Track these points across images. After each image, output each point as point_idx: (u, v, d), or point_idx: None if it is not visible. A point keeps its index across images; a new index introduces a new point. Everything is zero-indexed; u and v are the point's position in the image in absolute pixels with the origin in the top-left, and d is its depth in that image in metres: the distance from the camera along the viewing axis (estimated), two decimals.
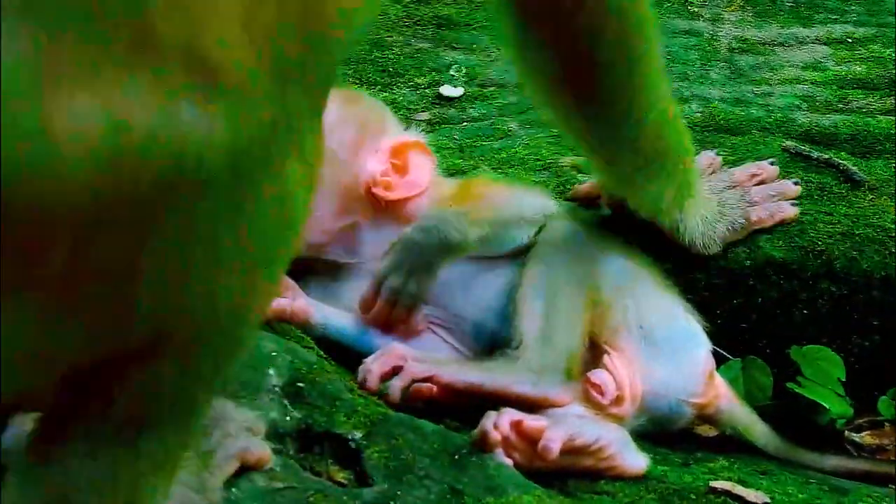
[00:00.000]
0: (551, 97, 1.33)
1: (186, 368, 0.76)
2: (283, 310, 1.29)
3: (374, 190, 1.38)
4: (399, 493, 1.05)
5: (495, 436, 1.14)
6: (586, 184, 1.54)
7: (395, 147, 1.41)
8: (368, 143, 1.40)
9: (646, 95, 1.30)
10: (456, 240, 1.34)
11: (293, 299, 1.31)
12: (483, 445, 1.14)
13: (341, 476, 1.07)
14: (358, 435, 1.11)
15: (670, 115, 1.35)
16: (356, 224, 1.38)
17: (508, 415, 1.17)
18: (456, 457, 1.11)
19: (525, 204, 1.41)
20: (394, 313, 1.31)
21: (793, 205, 1.50)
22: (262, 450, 1.03)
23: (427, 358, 1.27)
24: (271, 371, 1.14)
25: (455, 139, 1.81)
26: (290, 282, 1.32)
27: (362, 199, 1.38)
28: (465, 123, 1.89)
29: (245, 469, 1.00)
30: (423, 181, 1.41)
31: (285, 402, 1.11)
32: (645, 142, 1.33)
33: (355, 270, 1.38)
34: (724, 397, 1.35)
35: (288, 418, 1.09)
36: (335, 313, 1.33)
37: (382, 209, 1.38)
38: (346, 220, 1.38)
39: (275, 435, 1.07)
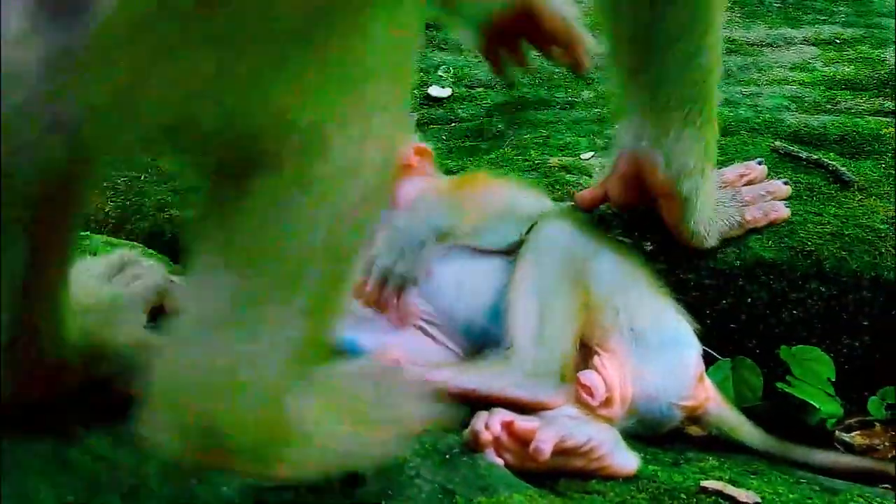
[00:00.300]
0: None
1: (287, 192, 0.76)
2: None
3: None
4: (390, 492, 1.04)
5: (486, 436, 1.14)
6: (588, 190, 1.52)
7: (418, 147, 1.47)
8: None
9: (713, 25, 1.32)
10: (445, 223, 1.35)
11: None
12: (474, 446, 1.14)
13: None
14: None
15: (716, 66, 1.36)
16: None
17: (499, 415, 1.16)
18: (447, 456, 1.11)
19: (519, 200, 1.42)
20: (384, 294, 1.32)
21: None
22: None
23: (421, 360, 1.27)
24: None
25: (443, 140, 1.81)
26: None
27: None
28: (453, 124, 1.89)
29: None
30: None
31: None
32: (694, 74, 1.34)
33: None
34: (713, 400, 1.34)
35: None
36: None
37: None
38: None
39: None
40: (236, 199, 0.77)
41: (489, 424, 1.15)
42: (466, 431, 1.15)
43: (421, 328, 1.33)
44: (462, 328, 1.33)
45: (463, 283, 1.35)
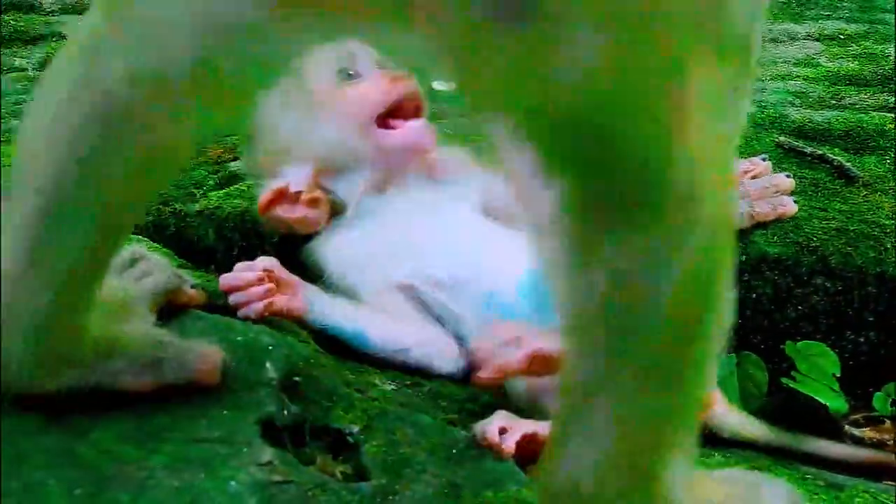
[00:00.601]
0: None
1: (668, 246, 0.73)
2: (280, 307, 1.29)
3: None
4: (398, 487, 1.04)
5: (509, 450, 1.12)
6: None
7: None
8: None
9: None
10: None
11: (292, 295, 1.30)
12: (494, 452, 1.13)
13: (339, 470, 1.06)
14: (356, 429, 1.10)
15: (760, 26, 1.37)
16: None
17: (520, 429, 1.14)
18: (454, 451, 1.11)
19: None
20: None
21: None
22: (190, 289, 1.13)
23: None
24: (268, 365, 1.13)
25: (448, 133, 1.80)
26: (291, 277, 1.32)
27: None
28: (458, 119, 1.88)
29: (242, 461, 0.99)
30: None
31: (282, 396, 1.10)
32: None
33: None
34: (718, 403, 1.34)
35: (285, 412, 1.08)
36: (334, 309, 1.33)
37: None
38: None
39: (272, 429, 1.06)
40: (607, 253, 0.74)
41: (505, 440, 1.13)
42: (485, 441, 1.14)
43: (435, 316, 1.34)
44: (485, 301, 1.33)
45: (486, 254, 1.36)
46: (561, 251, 0.76)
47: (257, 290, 1.26)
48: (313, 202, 1.42)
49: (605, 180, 0.71)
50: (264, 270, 1.28)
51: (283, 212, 1.41)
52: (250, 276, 1.27)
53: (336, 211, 1.43)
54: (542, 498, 0.86)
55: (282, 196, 1.41)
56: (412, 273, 1.36)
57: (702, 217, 0.73)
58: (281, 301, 1.28)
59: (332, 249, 1.40)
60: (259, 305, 1.25)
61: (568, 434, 0.82)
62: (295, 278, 1.32)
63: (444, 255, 1.37)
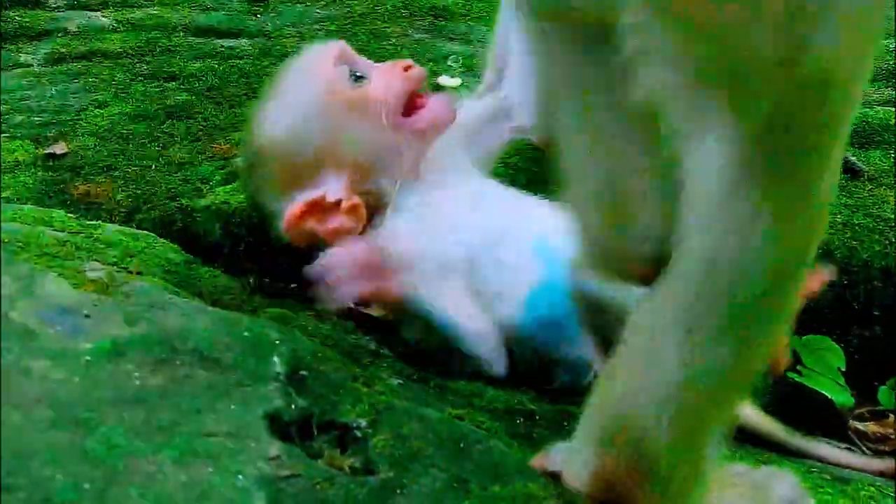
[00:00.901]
0: None
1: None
2: (375, 294, 1.31)
3: None
4: (405, 481, 1.04)
5: None
6: None
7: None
8: None
9: None
10: None
11: (389, 281, 1.32)
12: None
13: (347, 464, 1.06)
14: (363, 423, 1.10)
15: None
16: None
17: None
18: (461, 445, 1.11)
19: None
20: None
21: None
22: None
23: None
24: (275, 359, 1.13)
25: None
26: (390, 263, 1.32)
27: None
28: None
29: (250, 455, 0.99)
30: None
31: (289, 390, 1.10)
32: None
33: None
34: None
35: (292, 406, 1.08)
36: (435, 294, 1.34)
37: None
38: None
39: (280, 423, 1.06)
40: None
41: None
42: None
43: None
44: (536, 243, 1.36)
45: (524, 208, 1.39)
46: (688, 205, 0.77)
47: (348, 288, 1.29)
48: (353, 210, 1.38)
49: (782, 136, 0.72)
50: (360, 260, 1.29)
51: (318, 224, 1.38)
52: (341, 271, 1.28)
53: (373, 212, 1.41)
54: (587, 426, 0.86)
55: (316, 208, 1.38)
56: (470, 241, 1.36)
57: (825, 186, 0.75)
58: (374, 287, 1.31)
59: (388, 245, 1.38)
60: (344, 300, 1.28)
61: (632, 369, 0.82)
62: (394, 263, 1.32)
63: (489, 214, 1.37)
